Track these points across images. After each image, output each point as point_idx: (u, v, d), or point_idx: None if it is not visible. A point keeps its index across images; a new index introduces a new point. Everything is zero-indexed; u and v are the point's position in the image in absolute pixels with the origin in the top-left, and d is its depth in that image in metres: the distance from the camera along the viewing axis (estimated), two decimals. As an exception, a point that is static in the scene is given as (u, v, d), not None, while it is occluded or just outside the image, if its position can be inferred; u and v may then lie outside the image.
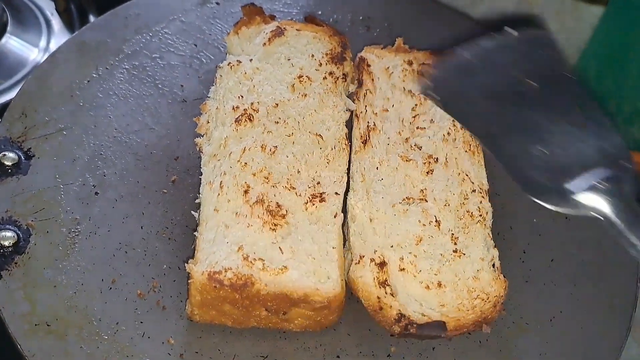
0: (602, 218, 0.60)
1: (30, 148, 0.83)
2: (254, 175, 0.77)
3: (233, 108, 0.83)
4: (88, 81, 0.92)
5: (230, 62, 0.88)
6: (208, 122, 0.83)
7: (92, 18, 1.15)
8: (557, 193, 0.62)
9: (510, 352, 0.77)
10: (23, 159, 0.82)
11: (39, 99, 0.88)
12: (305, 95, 0.86)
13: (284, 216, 0.75)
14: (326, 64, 0.89)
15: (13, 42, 1.11)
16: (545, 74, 0.67)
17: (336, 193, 0.78)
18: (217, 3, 1.05)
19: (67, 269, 0.75)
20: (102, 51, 0.95)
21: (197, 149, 0.82)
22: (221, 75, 0.87)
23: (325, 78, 0.88)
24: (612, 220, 0.59)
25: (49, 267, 0.74)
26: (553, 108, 0.65)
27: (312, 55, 0.90)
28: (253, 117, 0.82)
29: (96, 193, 0.81)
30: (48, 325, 0.70)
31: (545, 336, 0.78)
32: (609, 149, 0.63)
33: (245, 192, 0.76)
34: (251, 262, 0.70)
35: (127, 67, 0.95)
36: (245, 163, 0.78)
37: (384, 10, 1.09)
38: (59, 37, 1.14)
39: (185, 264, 0.72)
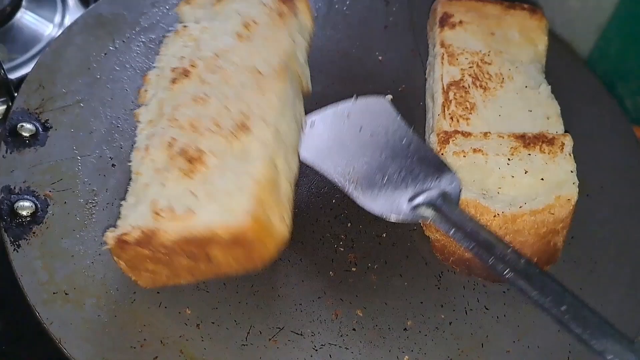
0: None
1: (47, 119, 0.83)
2: (182, 128, 0.71)
3: (171, 70, 0.78)
4: (105, 54, 0.92)
5: (176, 30, 0.83)
6: (146, 91, 0.78)
7: (107, -7, 1.14)
8: (396, 208, 0.74)
9: (527, 327, 0.76)
10: (41, 130, 0.82)
11: (56, 71, 0.88)
12: (250, 39, 0.79)
13: (204, 161, 0.68)
14: (276, 7, 0.82)
15: (28, 17, 1.10)
16: (384, 128, 0.81)
17: (264, 120, 0.71)
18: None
19: (85, 239, 0.75)
20: (119, 24, 0.95)
21: (135, 120, 0.77)
22: (167, 44, 0.82)
23: (272, 19, 0.81)
24: (434, 221, 0.72)
25: (67, 237, 0.74)
26: (392, 150, 0.79)
27: (264, 4, 0.82)
28: (189, 72, 0.76)
29: (113, 165, 0.81)
30: (66, 294, 0.70)
31: (563, 312, 0.78)
32: (435, 172, 0.76)
33: (169, 146, 0.70)
34: (161, 215, 0.66)
35: (143, 40, 0.94)
36: (175, 119, 0.72)
37: (402, -16, 1.08)
38: (74, 12, 1.14)
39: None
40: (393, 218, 0.73)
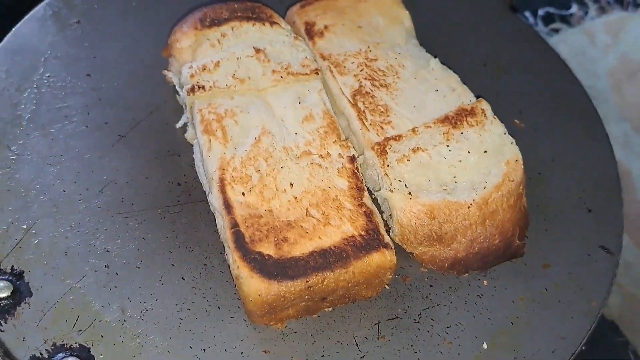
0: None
1: (12, 266, 0.71)
2: None
3: None
4: (10, 167, 0.78)
5: None
6: None
7: None
8: None
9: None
10: (16, 281, 0.70)
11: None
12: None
13: None
14: None
15: None
16: None
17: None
18: (78, 22, 0.93)
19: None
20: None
21: None
22: None
23: None
24: None
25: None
26: None
27: None
28: None
29: (116, 273, 0.72)
30: None
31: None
32: None
33: None
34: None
35: (38, 132, 0.81)
36: None
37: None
38: None
39: None
40: None
